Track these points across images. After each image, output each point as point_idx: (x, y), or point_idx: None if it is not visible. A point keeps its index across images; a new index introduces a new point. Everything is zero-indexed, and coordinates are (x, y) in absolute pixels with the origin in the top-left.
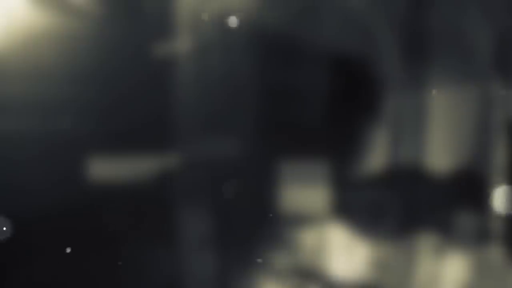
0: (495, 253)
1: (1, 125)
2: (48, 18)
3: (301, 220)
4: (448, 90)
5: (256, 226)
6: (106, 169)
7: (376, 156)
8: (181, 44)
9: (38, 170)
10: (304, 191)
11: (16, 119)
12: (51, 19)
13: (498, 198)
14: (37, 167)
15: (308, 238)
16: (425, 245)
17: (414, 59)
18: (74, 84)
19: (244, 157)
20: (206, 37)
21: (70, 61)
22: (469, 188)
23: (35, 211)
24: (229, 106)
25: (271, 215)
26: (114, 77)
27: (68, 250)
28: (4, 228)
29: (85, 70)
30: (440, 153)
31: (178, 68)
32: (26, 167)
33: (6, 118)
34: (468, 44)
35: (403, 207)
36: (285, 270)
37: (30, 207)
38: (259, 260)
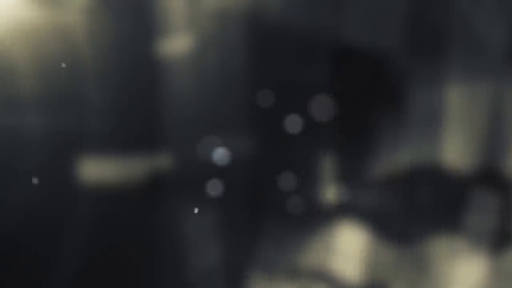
0: None
1: None
2: (43, 14)
3: (311, 219)
4: (465, 86)
5: (257, 226)
6: (102, 168)
7: (392, 154)
8: (178, 42)
9: (30, 169)
10: (314, 190)
11: (6, 117)
12: (46, 15)
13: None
14: (30, 166)
15: (317, 238)
16: (440, 247)
17: (430, 55)
18: (69, 83)
19: (249, 156)
20: (203, 36)
21: (65, 59)
22: (487, 187)
23: (26, 210)
24: (243, 102)
25: None
26: (110, 76)
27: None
28: None
29: (80, 69)
30: (457, 151)
31: (176, 67)
32: (19, 166)
33: None
34: (485, 39)
35: (418, 207)
36: (292, 270)
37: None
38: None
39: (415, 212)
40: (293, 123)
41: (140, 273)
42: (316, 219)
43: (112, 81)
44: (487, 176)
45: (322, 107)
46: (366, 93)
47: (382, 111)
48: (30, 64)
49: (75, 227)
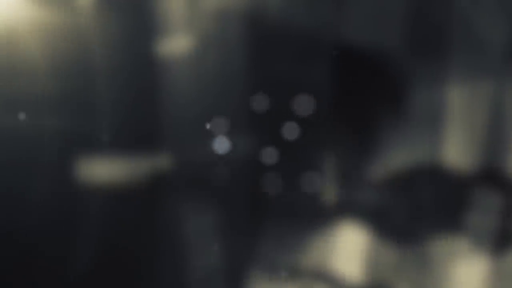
0: None
1: None
2: (44, 14)
3: (312, 219)
4: (465, 86)
5: (257, 225)
6: (103, 168)
7: (392, 154)
8: (178, 42)
9: (28, 169)
10: (314, 190)
11: (7, 117)
12: (47, 15)
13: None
14: (27, 165)
15: (318, 237)
16: (441, 246)
17: (431, 54)
18: (69, 83)
19: (249, 156)
20: (203, 36)
21: (64, 58)
22: (488, 187)
23: (25, 212)
24: (244, 102)
25: None
26: (110, 76)
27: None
28: None
29: (80, 68)
30: (458, 151)
31: (176, 67)
32: (17, 166)
33: None
34: (485, 39)
35: (419, 207)
36: (293, 269)
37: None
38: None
39: (416, 212)
40: (290, 130)
41: (141, 273)
42: (316, 218)
43: (112, 81)
44: (488, 176)
45: (322, 106)
46: (367, 93)
47: (383, 111)
48: (31, 64)
49: (76, 227)
